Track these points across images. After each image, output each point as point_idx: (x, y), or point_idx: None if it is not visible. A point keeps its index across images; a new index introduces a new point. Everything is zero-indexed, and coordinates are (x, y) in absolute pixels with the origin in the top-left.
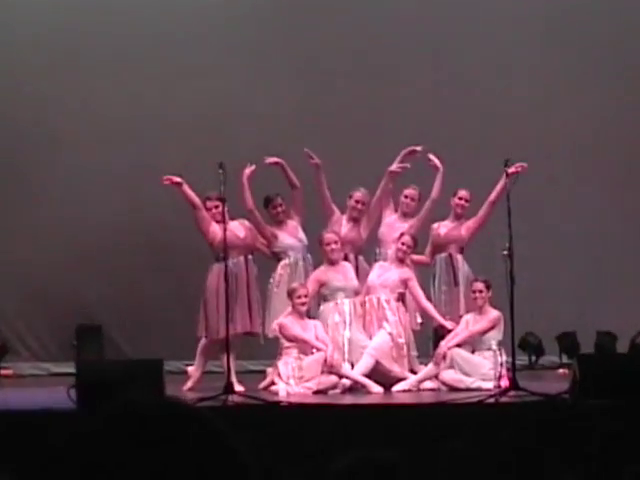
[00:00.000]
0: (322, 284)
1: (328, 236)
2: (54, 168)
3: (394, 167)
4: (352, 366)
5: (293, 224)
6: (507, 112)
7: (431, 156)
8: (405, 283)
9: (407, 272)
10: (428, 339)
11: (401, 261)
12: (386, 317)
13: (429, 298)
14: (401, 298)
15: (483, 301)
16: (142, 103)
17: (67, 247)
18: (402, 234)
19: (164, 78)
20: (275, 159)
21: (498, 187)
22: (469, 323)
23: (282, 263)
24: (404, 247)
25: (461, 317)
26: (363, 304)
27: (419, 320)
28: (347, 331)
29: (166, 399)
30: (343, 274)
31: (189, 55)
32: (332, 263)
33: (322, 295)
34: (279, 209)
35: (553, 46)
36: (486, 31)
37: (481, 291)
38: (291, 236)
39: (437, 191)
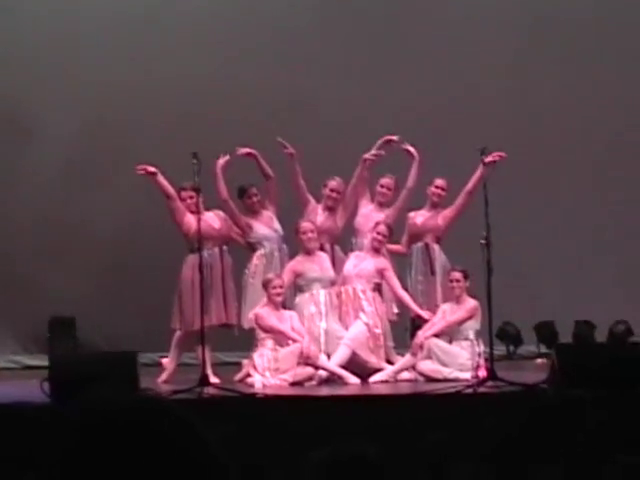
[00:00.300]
0: (298, 275)
1: (304, 225)
2: (27, 159)
3: (368, 155)
4: (328, 357)
5: (268, 214)
6: (485, 99)
7: (407, 145)
8: (381, 273)
9: (383, 262)
10: (405, 329)
11: (377, 251)
12: (362, 307)
13: (405, 288)
14: (377, 288)
15: (460, 290)
16: (115, 89)
17: (40, 238)
18: (377, 223)
19: (138, 65)
20: (248, 150)
21: (475, 176)
22: (446, 313)
23: (257, 253)
24: (379, 236)
25: (438, 307)
26: (339, 295)
27: (396, 310)
28: (323, 322)
29: (138, 394)
30: (319, 264)
31: (164, 40)
32: (308, 253)
33: (298, 286)
34: (254, 199)
35: (533, 33)
36: (465, 20)
37: (458, 280)
38: (266, 226)
39: (413, 180)
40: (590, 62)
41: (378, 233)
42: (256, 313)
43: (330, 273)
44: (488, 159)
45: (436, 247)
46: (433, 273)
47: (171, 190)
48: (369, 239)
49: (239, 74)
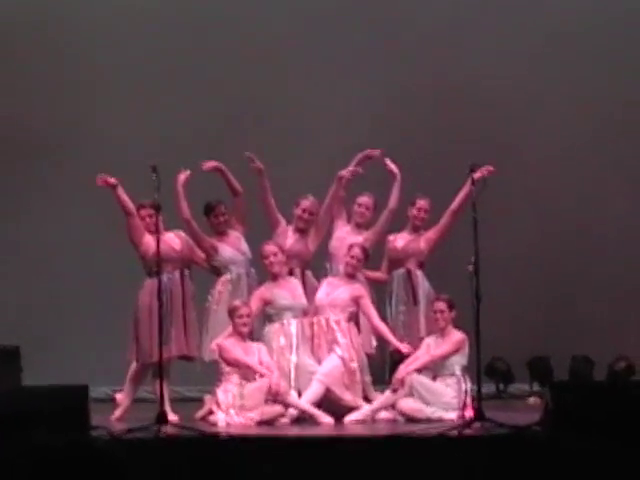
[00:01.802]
0: (267, 302)
1: (266, 247)
2: None
3: (345, 171)
4: (299, 394)
5: (235, 235)
6: (475, 113)
7: (388, 161)
8: (356, 301)
9: (358, 289)
10: (384, 364)
11: (351, 276)
12: (336, 339)
13: (385, 319)
14: (353, 318)
15: (445, 322)
16: (71, 97)
17: None
18: (351, 246)
19: (98, 72)
20: (214, 163)
21: (461, 194)
22: (430, 347)
23: (222, 278)
24: (353, 261)
25: (421, 340)
26: (311, 325)
27: (374, 343)
28: (294, 355)
29: (76, 435)
30: (290, 291)
31: (128, 50)
32: (276, 278)
33: (267, 315)
34: (221, 218)
35: (524, 45)
36: (455, 30)
37: (443, 311)
38: (233, 248)
39: (395, 200)
40: (589, 74)
41: (352, 257)
42: (220, 344)
43: (302, 301)
44: (477, 175)
45: (419, 273)
46: (416, 302)
47: (131, 206)
48: (343, 264)
49: (206, 81)
